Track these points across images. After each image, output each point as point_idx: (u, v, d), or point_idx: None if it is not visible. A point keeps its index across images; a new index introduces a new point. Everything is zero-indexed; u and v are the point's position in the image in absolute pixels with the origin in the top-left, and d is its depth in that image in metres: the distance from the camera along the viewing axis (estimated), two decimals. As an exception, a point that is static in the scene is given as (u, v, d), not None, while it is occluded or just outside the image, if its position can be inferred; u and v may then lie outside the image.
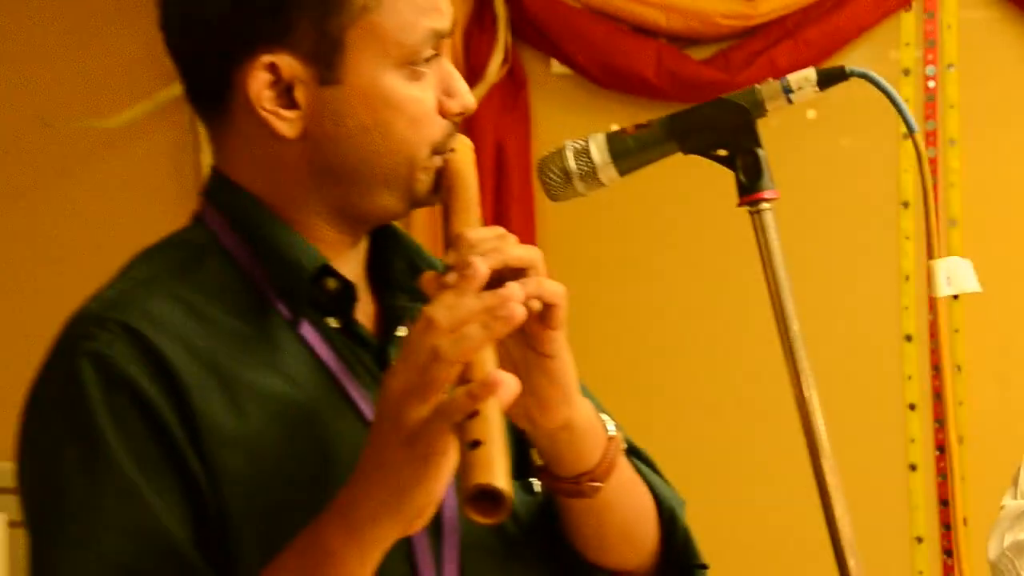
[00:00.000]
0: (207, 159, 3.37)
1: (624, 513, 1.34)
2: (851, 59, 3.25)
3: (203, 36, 1.27)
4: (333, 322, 1.30)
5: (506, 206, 3.26)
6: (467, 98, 1.30)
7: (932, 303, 3.22)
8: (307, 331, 1.28)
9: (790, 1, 3.21)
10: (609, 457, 1.29)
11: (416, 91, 1.27)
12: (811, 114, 3.28)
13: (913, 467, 3.27)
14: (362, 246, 1.35)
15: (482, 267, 1.16)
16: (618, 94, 3.31)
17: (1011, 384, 3.25)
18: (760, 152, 1.23)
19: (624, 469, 1.32)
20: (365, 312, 1.33)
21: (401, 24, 1.25)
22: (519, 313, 1.12)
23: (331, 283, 1.29)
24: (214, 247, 1.31)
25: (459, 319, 1.12)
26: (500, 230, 1.23)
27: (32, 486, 1.25)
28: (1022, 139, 3.23)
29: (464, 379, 1.12)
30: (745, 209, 1.24)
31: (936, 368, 3.23)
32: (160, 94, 3.28)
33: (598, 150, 1.28)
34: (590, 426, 1.29)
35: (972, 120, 3.21)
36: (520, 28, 3.32)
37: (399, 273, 1.36)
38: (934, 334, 3.22)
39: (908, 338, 3.26)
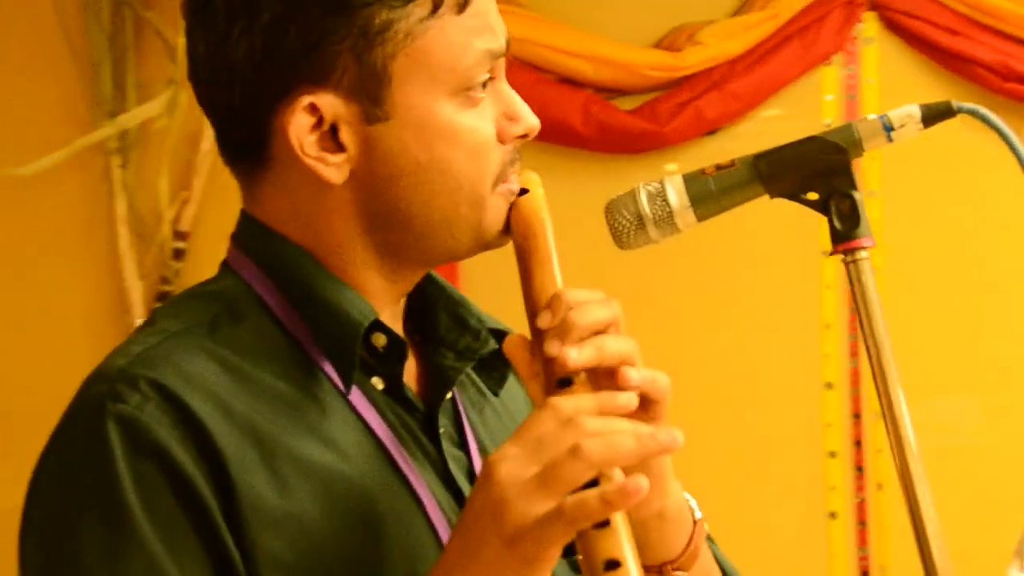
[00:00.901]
0: (121, 208, 3.21)
1: None
2: (775, 111, 3.22)
3: (235, 83, 1.14)
4: (379, 382, 1.18)
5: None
6: (530, 119, 1.19)
7: (854, 349, 3.20)
8: (355, 394, 1.15)
9: (715, 53, 3.17)
10: (695, 543, 1.18)
11: (473, 119, 1.15)
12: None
13: (833, 515, 3.23)
14: (402, 301, 1.23)
15: (632, 377, 1.07)
16: (545, 144, 3.23)
17: (929, 429, 3.23)
18: (857, 196, 1.15)
19: (704, 553, 1.22)
20: (409, 372, 1.20)
21: (451, 48, 1.14)
22: (677, 443, 1.00)
23: (380, 339, 1.17)
24: (249, 300, 1.17)
25: (611, 429, 1.00)
26: (597, 294, 1.12)
27: (46, 558, 1.09)
28: (942, 191, 3.23)
29: None
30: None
31: (856, 416, 3.20)
32: (76, 142, 3.11)
33: (675, 193, 1.19)
34: (679, 512, 1.18)
35: (893, 172, 3.20)
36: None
37: (443, 328, 1.24)
38: (855, 383, 3.20)
39: (829, 385, 3.22)
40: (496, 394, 1.29)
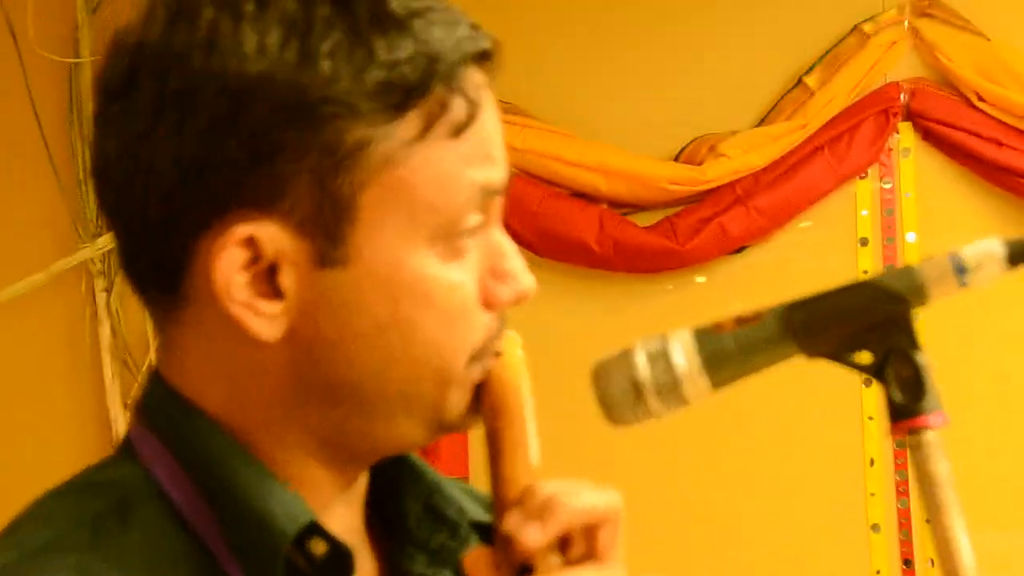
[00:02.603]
0: (105, 332, 2.94)
1: None
2: (805, 227, 2.93)
3: (151, 195, 0.85)
4: None
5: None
6: (523, 281, 0.90)
7: (902, 488, 2.87)
8: None
9: (739, 166, 2.89)
10: None
11: (454, 274, 0.87)
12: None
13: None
14: (361, 482, 0.94)
15: None
16: (556, 263, 2.95)
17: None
18: (920, 358, 0.85)
19: None
20: None
21: (439, 180, 0.85)
22: None
23: (319, 546, 0.87)
24: (147, 492, 0.88)
25: None
26: (575, 486, 0.85)
27: None
28: (983, 312, 2.91)
29: None
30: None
31: (907, 562, 2.86)
32: (56, 264, 2.86)
33: (684, 354, 0.89)
34: None
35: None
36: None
37: (413, 521, 0.95)
38: (905, 525, 2.87)
39: (875, 528, 2.89)
40: None
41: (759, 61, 2.96)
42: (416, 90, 0.84)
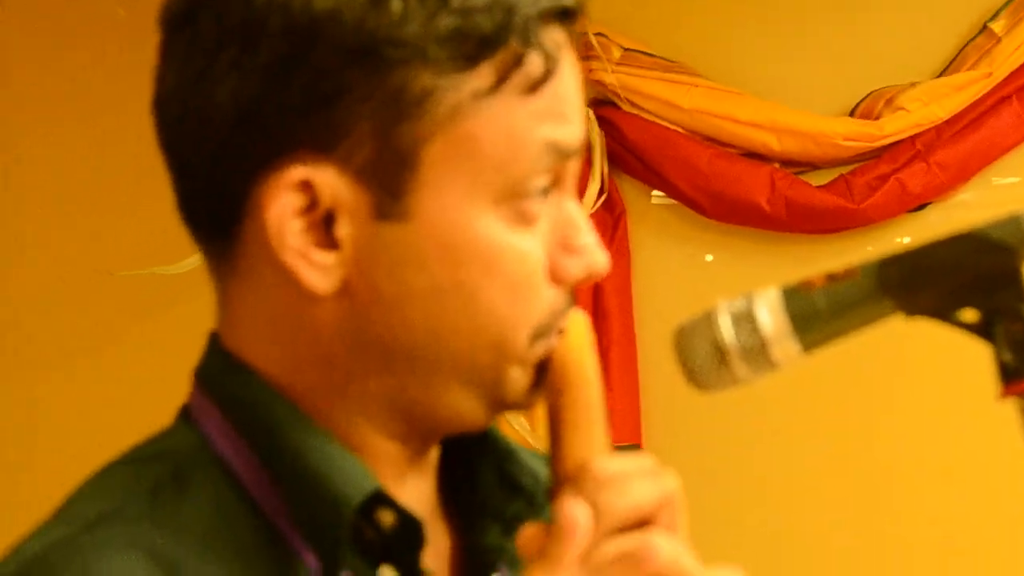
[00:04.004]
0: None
1: None
2: (992, 182, 2.76)
3: (208, 133, 0.82)
4: (389, 574, 0.83)
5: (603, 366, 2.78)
6: (596, 257, 0.84)
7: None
8: None
9: (919, 119, 2.74)
10: None
11: (522, 241, 0.82)
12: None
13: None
14: (432, 454, 0.89)
15: None
16: (726, 225, 2.85)
17: None
18: (1032, 315, 0.75)
19: None
20: (437, 551, 0.87)
21: (508, 136, 0.81)
22: None
23: (387, 517, 0.83)
24: (205, 462, 0.84)
25: None
26: (641, 463, 0.80)
27: None
28: None
29: None
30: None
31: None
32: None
33: (771, 314, 0.81)
34: None
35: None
36: (617, 155, 2.87)
37: (487, 490, 0.90)
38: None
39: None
40: None
41: (939, 7, 2.80)
42: (490, 41, 0.80)
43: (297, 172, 0.80)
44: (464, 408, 0.84)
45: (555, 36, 0.82)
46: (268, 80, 0.79)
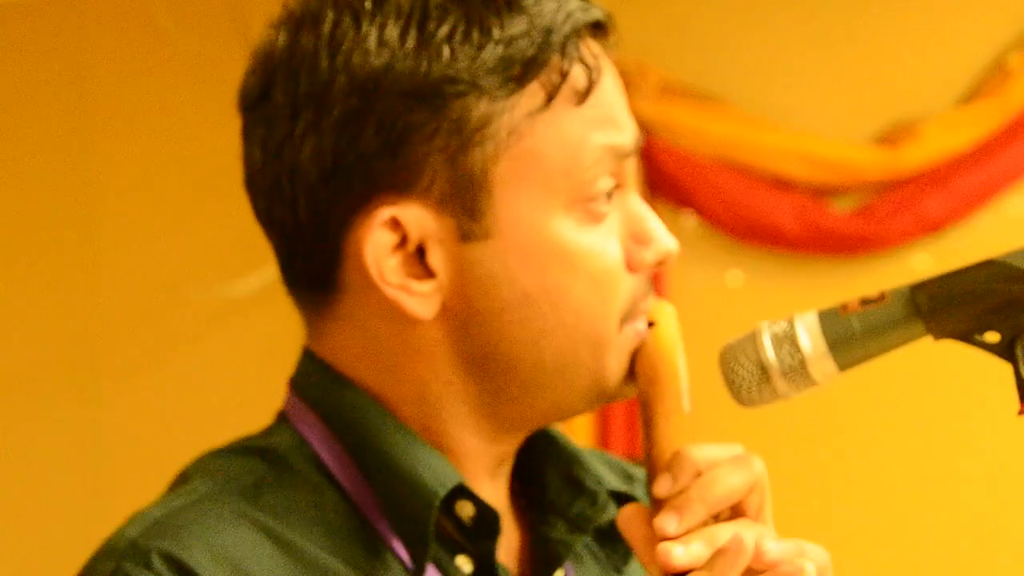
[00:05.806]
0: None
1: None
2: (1009, 209, 2.81)
3: (299, 193, 0.88)
4: (465, 563, 0.90)
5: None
6: (665, 242, 0.90)
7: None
8: None
9: (940, 148, 2.79)
10: None
11: (596, 239, 0.88)
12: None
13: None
14: (509, 456, 0.95)
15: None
16: (754, 248, 2.91)
17: None
18: (1052, 338, 0.81)
19: None
20: (508, 545, 0.93)
21: (566, 146, 0.87)
22: None
23: (466, 509, 0.89)
24: (304, 459, 0.91)
25: None
26: (732, 451, 0.86)
27: None
28: None
29: None
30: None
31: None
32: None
33: (809, 336, 0.87)
34: None
35: None
36: (652, 181, 2.94)
37: (554, 490, 0.96)
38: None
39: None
40: (620, 571, 1.00)
41: (958, 39, 2.85)
42: (534, 62, 0.87)
43: (385, 213, 0.87)
44: (564, 402, 0.90)
45: (592, 48, 0.89)
46: (343, 134, 0.86)
